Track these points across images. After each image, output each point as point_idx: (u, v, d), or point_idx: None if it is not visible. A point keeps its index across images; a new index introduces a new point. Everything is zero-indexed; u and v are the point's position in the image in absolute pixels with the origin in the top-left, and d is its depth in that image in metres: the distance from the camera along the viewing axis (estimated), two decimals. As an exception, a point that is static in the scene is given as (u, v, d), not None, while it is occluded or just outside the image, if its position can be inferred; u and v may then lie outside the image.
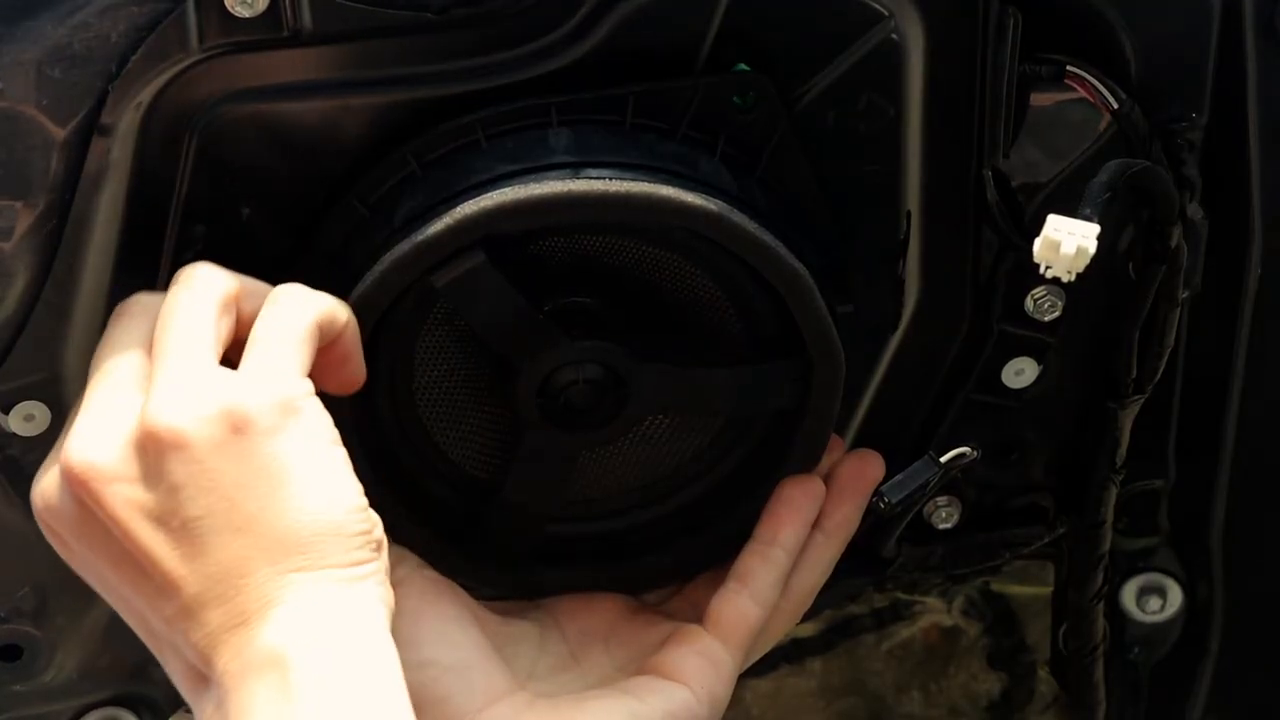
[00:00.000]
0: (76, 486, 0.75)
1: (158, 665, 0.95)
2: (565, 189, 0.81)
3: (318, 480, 0.75)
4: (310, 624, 0.73)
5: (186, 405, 0.74)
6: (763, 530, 0.89)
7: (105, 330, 0.80)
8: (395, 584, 0.77)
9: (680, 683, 0.86)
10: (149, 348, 0.78)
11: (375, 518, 0.76)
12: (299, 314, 0.78)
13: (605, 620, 0.90)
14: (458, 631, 0.86)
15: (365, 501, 0.76)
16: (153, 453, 0.74)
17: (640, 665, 0.87)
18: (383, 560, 0.76)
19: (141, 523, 0.74)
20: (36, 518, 0.77)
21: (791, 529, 0.89)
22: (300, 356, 0.77)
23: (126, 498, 0.74)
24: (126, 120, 0.82)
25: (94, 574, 0.77)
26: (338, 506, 0.75)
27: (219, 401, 0.74)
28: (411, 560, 0.87)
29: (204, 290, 0.78)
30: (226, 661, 0.73)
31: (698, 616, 0.89)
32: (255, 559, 0.73)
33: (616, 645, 0.89)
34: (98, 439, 0.75)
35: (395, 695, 0.73)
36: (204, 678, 0.74)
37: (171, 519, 0.74)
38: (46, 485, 0.76)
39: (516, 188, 0.81)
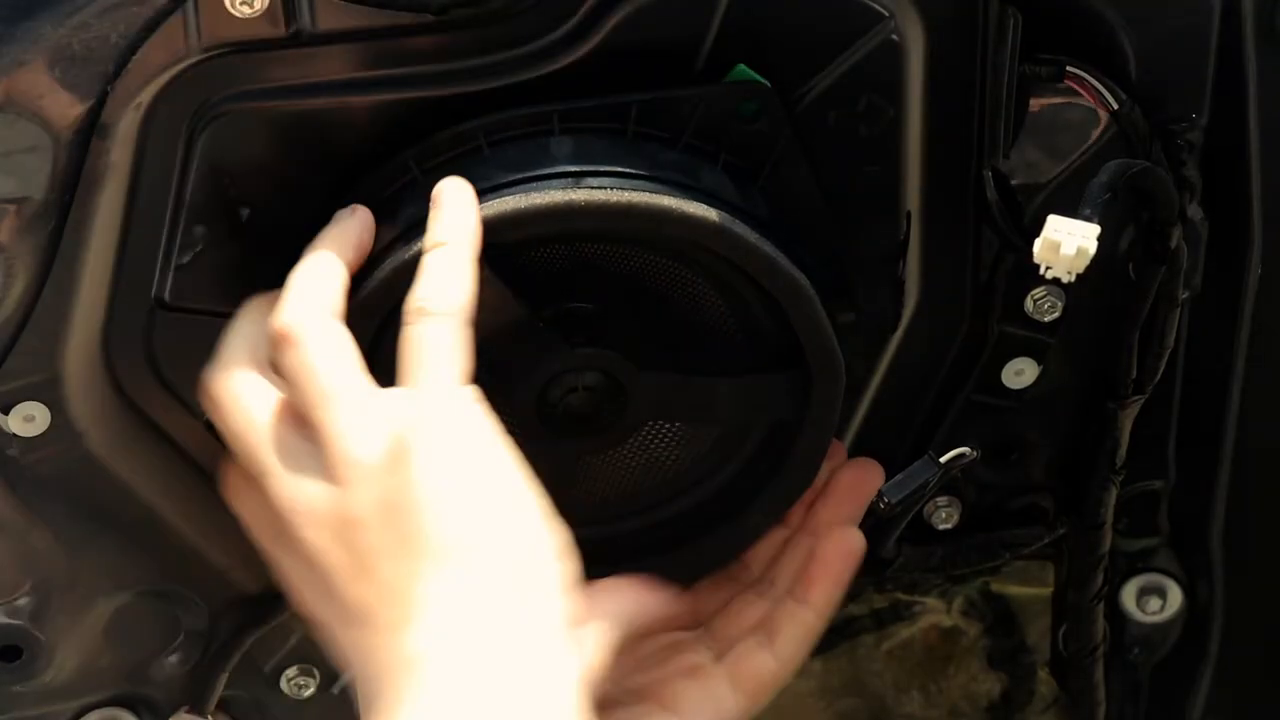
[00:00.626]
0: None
1: (158, 665, 0.95)
2: (566, 199, 0.81)
3: (491, 490, 0.76)
4: (469, 629, 0.73)
5: (366, 440, 0.76)
6: (797, 588, 0.89)
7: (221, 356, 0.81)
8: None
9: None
10: (266, 359, 0.80)
11: (555, 526, 0.77)
12: (447, 324, 0.78)
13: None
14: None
15: (544, 508, 0.76)
16: (344, 482, 0.76)
17: (645, 688, 0.87)
18: (560, 567, 0.76)
19: (329, 544, 0.76)
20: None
21: (823, 589, 0.89)
22: (457, 366, 0.78)
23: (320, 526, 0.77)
24: (126, 120, 0.82)
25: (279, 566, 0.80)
26: (515, 516, 0.76)
27: (392, 429, 0.76)
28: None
29: (326, 328, 0.79)
30: (384, 659, 0.74)
31: (696, 622, 0.89)
32: (424, 572, 0.74)
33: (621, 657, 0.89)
34: (300, 487, 0.77)
35: (561, 702, 0.74)
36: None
37: (351, 546, 0.76)
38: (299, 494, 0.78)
39: (518, 197, 0.81)
